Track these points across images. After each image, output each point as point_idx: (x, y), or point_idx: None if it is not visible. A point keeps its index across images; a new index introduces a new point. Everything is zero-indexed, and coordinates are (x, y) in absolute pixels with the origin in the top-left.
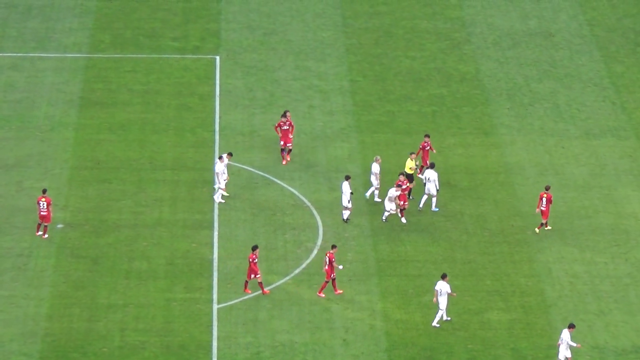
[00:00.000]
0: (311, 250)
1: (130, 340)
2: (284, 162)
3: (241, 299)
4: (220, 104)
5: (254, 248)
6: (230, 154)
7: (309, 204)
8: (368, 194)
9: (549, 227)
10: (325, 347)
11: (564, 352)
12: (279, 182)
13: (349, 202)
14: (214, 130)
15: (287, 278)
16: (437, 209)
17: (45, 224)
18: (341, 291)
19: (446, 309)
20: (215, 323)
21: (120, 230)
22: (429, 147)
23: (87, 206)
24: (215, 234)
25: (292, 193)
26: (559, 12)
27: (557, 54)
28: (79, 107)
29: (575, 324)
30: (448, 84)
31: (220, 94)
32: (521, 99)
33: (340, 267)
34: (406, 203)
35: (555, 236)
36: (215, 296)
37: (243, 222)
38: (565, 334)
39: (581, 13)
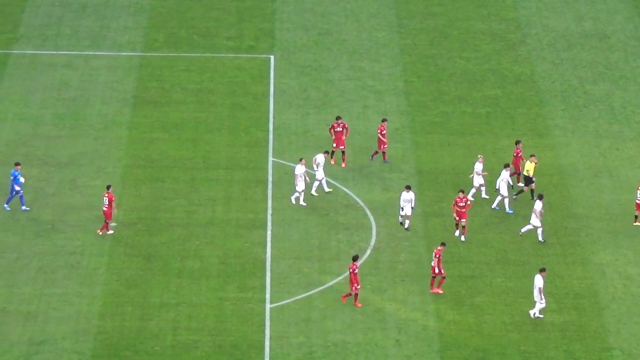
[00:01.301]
0: (364, 251)
1: (182, 339)
2: (342, 165)
3: (293, 298)
4: (274, 104)
5: (355, 258)
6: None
7: (362, 204)
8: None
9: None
10: (378, 347)
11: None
12: (332, 182)
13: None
14: (268, 130)
15: (340, 278)
16: (511, 211)
17: (106, 221)
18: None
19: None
20: (267, 323)
21: (173, 229)
22: (520, 154)
23: (140, 205)
24: (269, 233)
25: (346, 193)
26: (614, 14)
27: (612, 56)
28: (132, 105)
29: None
30: (502, 85)
31: (274, 94)
32: (576, 100)
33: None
34: (464, 219)
35: (609, 238)
36: (268, 296)
37: (296, 222)
38: (538, 279)
39: (637, 15)
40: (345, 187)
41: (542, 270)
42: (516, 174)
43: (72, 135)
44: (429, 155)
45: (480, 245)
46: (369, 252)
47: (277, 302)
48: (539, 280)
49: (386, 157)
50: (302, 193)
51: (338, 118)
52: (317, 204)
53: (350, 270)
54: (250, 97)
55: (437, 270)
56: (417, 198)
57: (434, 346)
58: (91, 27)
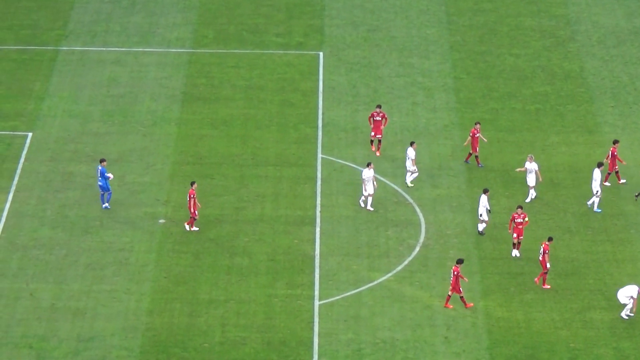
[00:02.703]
0: (413, 248)
1: (231, 336)
2: (377, 153)
3: (342, 295)
4: (323, 100)
5: (459, 262)
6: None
7: (411, 200)
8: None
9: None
10: (427, 344)
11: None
12: (381, 178)
13: (487, 214)
14: (317, 127)
15: (389, 275)
16: (600, 210)
17: (191, 216)
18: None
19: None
20: (316, 319)
21: (221, 226)
22: (616, 153)
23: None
24: (317, 230)
25: (395, 190)
26: None
27: None
28: (181, 102)
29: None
30: (552, 82)
31: (323, 90)
32: (626, 97)
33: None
34: (521, 237)
35: None
36: (316, 293)
37: (345, 219)
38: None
39: None
40: (394, 183)
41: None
42: (614, 172)
43: (121, 132)
44: (479, 152)
45: (530, 242)
46: (417, 249)
47: (326, 299)
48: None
49: (479, 161)
50: (370, 197)
51: (378, 107)
52: (366, 200)
53: (455, 273)
54: (299, 93)
55: (547, 266)
56: (466, 195)
57: (483, 343)
58: (140, 23)
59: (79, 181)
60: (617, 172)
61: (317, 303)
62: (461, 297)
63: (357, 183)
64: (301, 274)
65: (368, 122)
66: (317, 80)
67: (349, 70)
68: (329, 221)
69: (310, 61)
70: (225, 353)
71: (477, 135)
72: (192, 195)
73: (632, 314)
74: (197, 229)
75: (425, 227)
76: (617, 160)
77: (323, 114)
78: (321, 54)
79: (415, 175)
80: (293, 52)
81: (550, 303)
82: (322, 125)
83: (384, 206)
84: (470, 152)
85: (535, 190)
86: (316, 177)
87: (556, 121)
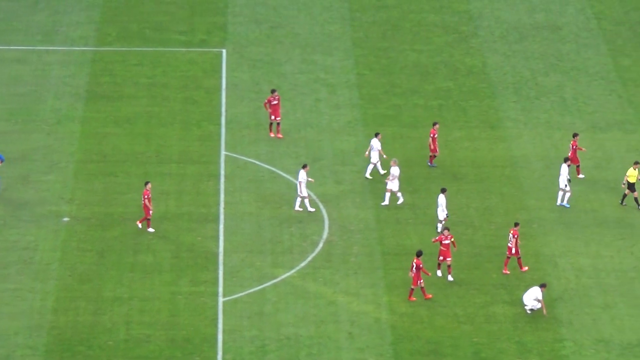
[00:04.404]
0: (317, 244)
1: (135, 334)
2: (279, 135)
3: (246, 292)
4: (226, 98)
5: (419, 254)
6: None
7: (314, 197)
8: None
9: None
10: (331, 340)
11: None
12: (285, 175)
13: (443, 215)
14: (220, 124)
15: (293, 271)
16: (568, 205)
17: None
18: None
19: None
20: (220, 316)
21: (126, 224)
22: (576, 147)
23: (93, 199)
24: (221, 227)
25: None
26: (566, 6)
27: (564, 48)
28: (85, 100)
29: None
30: (455, 78)
31: (226, 88)
32: (528, 92)
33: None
34: (448, 258)
35: (561, 230)
36: (220, 289)
37: (249, 216)
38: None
39: (588, 6)
40: (297, 180)
41: (542, 286)
42: (576, 165)
43: (25, 131)
44: (381, 149)
45: (432, 237)
46: (321, 245)
47: (230, 295)
48: (537, 293)
49: (433, 162)
50: (306, 199)
51: (273, 91)
52: (269, 197)
53: (415, 264)
54: (202, 91)
55: (513, 251)
56: (369, 191)
57: (387, 339)
58: (43, 22)
59: None
60: (577, 167)
61: (221, 300)
62: (422, 288)
63: (261, 180)
64: (205, 271)
65: (265, 108)
66: (220, 77)
67: (251, 67)
68: (233, 218)
69: (213, 58)
70: (129, 350)
71: (436, 135)
72: (146, 196)
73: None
74: (153, 230)
75: (329, 223)
76: (575, 149)
77: (226, 111)
78: (224, 51)
79: (371, 166)
80: (196, 49)
81: (454, 298)
82: (225, 123)
83: (287, 202)
84: (431, 153)
85: (402, 195)
86: (219, 174)
87: (459, 117)
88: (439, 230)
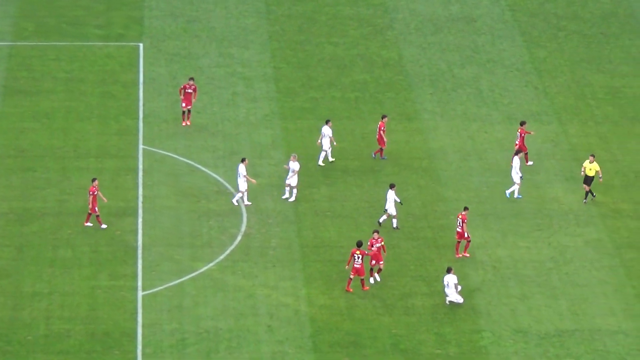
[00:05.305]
0: (235, 237)
1: (55, 329)
2: (187, 122)
3: (165, 285)
4: (143, 92)
5: (359, 244)
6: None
7: (232, 190)
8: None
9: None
10: (250, 333)
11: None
12: (203, 169)
13: (392, 209)
14: (138, 118)
15: (212, 264)
16: (520, 196)
17: (90, 213)
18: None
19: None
20: (140, 310)
21: (44, 219)
22: (524, 134)
23: (11, 195)
24: (140, 221)
25: (216, 180)
26: None
27: (479, 40)
28: (2, 95)
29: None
30: (371, 70)
31: (143, 82)
32: (444, 84)
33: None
34: (381, 262)
35: (478, 221)
36: (139, 283)
37: (167, 209)
38: (452, 278)
39: None
40: (215, 173)
41: (449, 270)
42: (524, 153)
43: None
44: (299, 141)
45: (351, 230)
46: (239, 238)
47: (149, 289)
48: (454, 279)
49: (383, 155)
50: (245, 193)
51: (191, 79)
52: (187, 191)
53: (355, 255)
54: (120, 85)
55: (466, 235)
56: (284, 184)
57: (306, 331)
58: None
59: None
60: (526, 154)
61: (140, 294)
62: (361, 280)
63: (179, 174)
64: (124, 265)
65: (179, 94)
66: (138, 71)
67: (169, 61)
68: (151, 212)
69: (131, 53)
70: (49, 345)
71: (384, 129)
72: (92, 192)
73: (460, 300)
74: (90, 224)
75: (247, 217)
76: (524, 137)
77: (144, 105)
78: (141, 45)
79: (323, 153)
80: (113, 43)
81: (372, 290)
82: (143, 117)
83: (205, 196)
84: (380, 146)
85: (297, 190)
86: (138, 168)
87: (375, 109)
88: (395, 226)
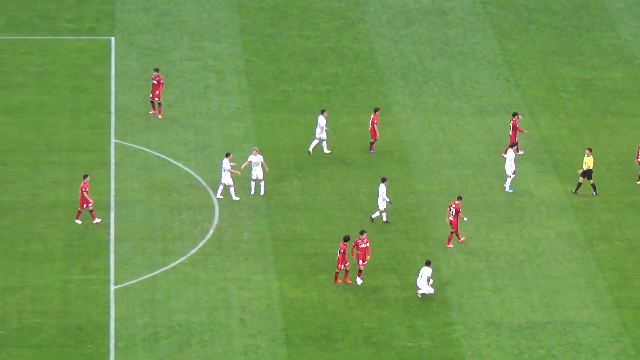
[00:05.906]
0: (207, 230)
1: (27, 323)
2: (159, 116)
3: (137, 279)
4: (115, 86)
5: (346, 239)
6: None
7: (204, 184)
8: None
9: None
10: (222, 326)
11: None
12: (174, 162)
13: (384, 204)
14: (110, 112)
15: (184, 258)
16: (511, 191)
17: (79, 209)
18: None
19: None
20: (112, 304)
21: (16, 213)
22: (518, 126)
23: None
24: (112, 215)
25: (188, 173)
26: None
27: (450, 32)
28: None
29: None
30: (342, 63)
31: (115, 75)
32: (415, 77)
33: (465, 218)
34: (365, 262)
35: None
36: (112, 277)
37: (139, 203)
38: (427, 271)
39: None
40: (187, 167)
41: (428, 263)
42: (514, 144)
43: None
44: (270, 135)
45: (323, 223)
46: (211, 231)
47: (122, 283)
48: (428, 272)
49: (372, 148)
50: (231, 187)
51: (156, 70)
52: (159, 184)
53: (341, 250)
54: (91, 79)
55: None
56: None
57: (278, 324)
58: None
59: None
60: (516, 145)
61: (112, 287)
62: (345, 272)
63: (151, 167)
64: (97, 258)
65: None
66: (109, 65)
67: (140, 55)
68: (123, 206)
69: (102, 46)
70: (22, 339)
71: (377, 122)
72: (83, 189)
73: (432, 290)
74: (80, 222)
75: (219, 210)
76: (517, 131)
77: (116, 99)
78: (113, 39)
79: (316, 142)
80: (85, 37)
81: (344, 283)
82: (115, 111)
83: (177, 190)
84: (372, 139)
85: (265, 183)
86: (110, 162)
87: (347, 102)
88: (385, 220)
